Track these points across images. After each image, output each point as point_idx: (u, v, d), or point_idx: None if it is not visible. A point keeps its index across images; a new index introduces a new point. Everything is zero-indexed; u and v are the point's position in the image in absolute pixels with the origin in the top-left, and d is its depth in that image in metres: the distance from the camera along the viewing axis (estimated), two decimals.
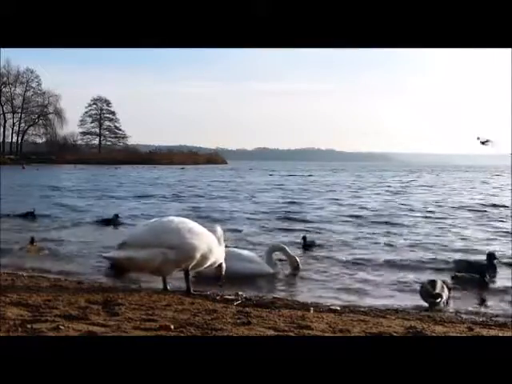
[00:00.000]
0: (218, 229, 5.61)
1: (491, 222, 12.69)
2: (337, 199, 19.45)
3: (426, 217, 13.68)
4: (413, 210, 15.38)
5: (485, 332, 4.14)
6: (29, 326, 3.55)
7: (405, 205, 17.14)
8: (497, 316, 5.08)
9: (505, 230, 11.19)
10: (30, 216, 12.08)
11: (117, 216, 11.33)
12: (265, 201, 18.51)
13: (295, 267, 6.90)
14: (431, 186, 29.65)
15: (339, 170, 65.71)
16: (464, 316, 5.00)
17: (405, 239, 9.89)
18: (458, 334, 3.97)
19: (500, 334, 4.07)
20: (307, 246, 8.60)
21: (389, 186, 29.13)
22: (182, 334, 3.54)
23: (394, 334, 3.78)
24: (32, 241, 8.48)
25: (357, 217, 13.44)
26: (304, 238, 8.83)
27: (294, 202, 17.69)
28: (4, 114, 74.67)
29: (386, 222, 12.39)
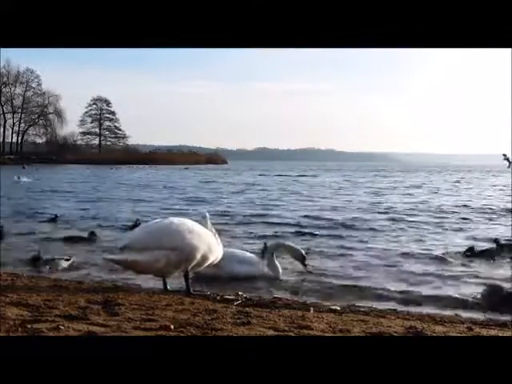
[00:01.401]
0: (206, 214, 5.62)
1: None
2: (306, 200, 19.05)
3: (392, 219, 13.08)
4: (380, 213, 14.74)
5: (485, 332, 4.14)
6: (29, 326, 3.55)
7: (377, 207, 16.71)
8: (497, 316, 5.08)
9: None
10: (53, 220, 11.73)
11: (138, 220, 11.14)
12: (238, 202, 18.01)
13: (302, 260, 6.70)
14: (417, 187, 29.35)
15: (333, 170, 65.45)
16: (464, 316, 5.00)
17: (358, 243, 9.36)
18: (458, 334, 3.96)
19: (500, 334, 4.07)
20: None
21: (373, 187, 28.86)
22: (182, 334, 3.53)
23: (394, 334, 3.78)
24: (92, 234, 9.03)
25: (328, 220, 12.69)
26: (265, 244, 7.96)
27: (266, 204, 17.11)
28: (4, 114, 74.76)
29: (351, 226, 11.71)
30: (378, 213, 14.68)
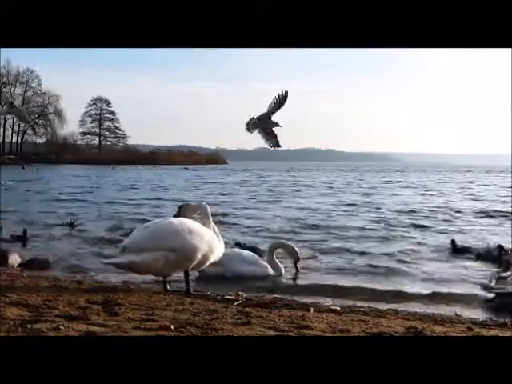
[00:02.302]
0: (207, 207, 5.62)
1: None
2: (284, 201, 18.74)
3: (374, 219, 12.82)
4: (351, 213, 14.48)
5: (485, 332, 4.14)
6: (29, 326, 3.55)
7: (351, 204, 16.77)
8: (497, 316, 5.08)
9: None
10: (70, 225, 11.06)
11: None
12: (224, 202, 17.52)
13: (295, 259, 6.79)
14: (409, 187, 29.01)
15: (329, 170, 65.34)
16: (464, 316, 4.99)
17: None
18: (458, 334, 3.96)
19: (500, 334, 4.07)
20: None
21: (364, 187, 28.74)
22: (182, 334, 3.53)
23: (394, 334, 3.78)
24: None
25: (306, 221, 12.31)
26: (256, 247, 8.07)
27: (245, 205, 16.71)
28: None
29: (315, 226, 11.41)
30: (353, 215, 14.34)
